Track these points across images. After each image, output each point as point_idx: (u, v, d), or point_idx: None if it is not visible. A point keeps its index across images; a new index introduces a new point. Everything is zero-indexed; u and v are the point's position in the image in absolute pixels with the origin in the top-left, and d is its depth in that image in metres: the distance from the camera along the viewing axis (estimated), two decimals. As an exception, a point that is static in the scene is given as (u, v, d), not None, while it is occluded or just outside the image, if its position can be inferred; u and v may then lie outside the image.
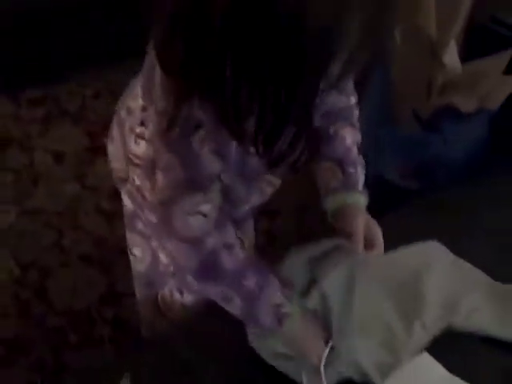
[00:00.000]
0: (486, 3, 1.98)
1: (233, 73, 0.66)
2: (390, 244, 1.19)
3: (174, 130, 0.79)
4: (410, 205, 1.38)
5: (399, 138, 1.60)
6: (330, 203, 1.07)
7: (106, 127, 2.30)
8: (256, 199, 1.06)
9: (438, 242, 1.22)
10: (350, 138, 1.08)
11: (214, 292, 0.96)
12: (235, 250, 0.93)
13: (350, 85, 1.08)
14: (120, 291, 1.83)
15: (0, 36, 2.25)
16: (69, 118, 2.37)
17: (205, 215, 0.88)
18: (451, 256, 1.20)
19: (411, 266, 1.16)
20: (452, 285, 1.14)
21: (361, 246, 1.04)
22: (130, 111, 0.99)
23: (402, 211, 1.35)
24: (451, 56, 1.53)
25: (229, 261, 0.91)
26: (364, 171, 1.10)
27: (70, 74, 2.49)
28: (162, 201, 0.88)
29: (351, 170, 1.07)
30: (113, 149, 1.12)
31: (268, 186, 1.05)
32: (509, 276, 1.19)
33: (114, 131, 1.10)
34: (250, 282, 0.92)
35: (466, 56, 1.66)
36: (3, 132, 2.29)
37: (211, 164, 0.85)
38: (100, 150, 2.25)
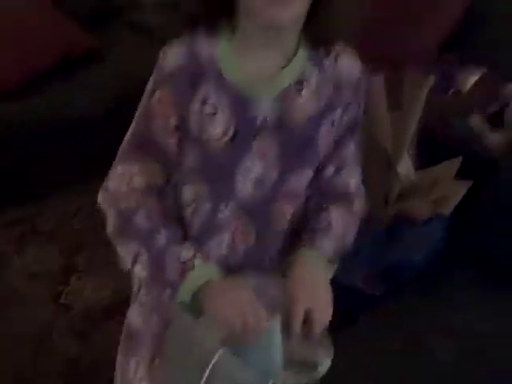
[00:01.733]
0: (437, 111, 2.13)
1: None
2: (360, 350, 1.23)
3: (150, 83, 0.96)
4: (376, 309, 1.43)
5: (361, 245, 1.66)
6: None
7: (80, 246, 2.37)
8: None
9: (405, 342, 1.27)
10: (339, 219, 1.04)
11: (127, 250, 0.98)
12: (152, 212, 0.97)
13: (348, 170, 1.08)
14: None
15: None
16: (44, 237, 2.41)
17: (133, 188, 0.97)
18: None
19: None
20: None
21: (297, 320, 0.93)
22: None
23: (370, 316, 1.40)
24: (405, 165, 1.62)
25: (143, 220, 0.95)
26: (333, 245, 1.04)
27: (46, 194, 2.56)
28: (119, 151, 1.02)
29: (319, 234, 1.03)
30: None
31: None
32: (470, 374, 1.22)
33: None
34: (162, 237, 0.95)
35: (419, 162, 1.76)
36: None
37: (163, 119, 0.95)
38: (74, 269, 2.28)
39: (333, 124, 1.00)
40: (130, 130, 1.00)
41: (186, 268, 0.93)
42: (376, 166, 1.67)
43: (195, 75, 0.92)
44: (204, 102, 0.93)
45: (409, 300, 1.45)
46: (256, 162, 0.98)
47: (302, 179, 1.03)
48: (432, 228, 1.65)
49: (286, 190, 1.03)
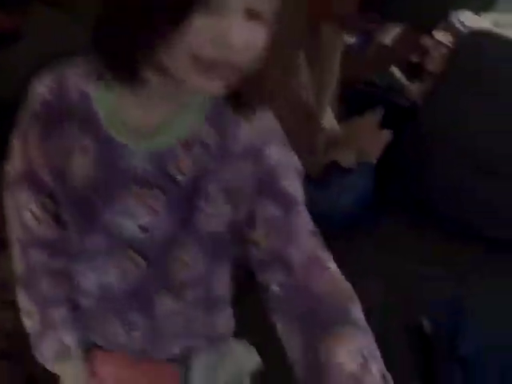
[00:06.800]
0: (359, 65, 2.17)
1: None
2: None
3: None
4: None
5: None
6: None
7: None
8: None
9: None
10: (348, 360, 0.68)
11: (22, 301, 1.00)
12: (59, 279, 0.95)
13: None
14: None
15: None
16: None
17: (36, 218, 0.90)
18: None
19: None
20: None
21: None
22: None
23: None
24: (328, 119, 1.66)
25: (47, 287, 0.96)
26: None
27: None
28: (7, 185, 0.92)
29: None
30: None
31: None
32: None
33: None
34: (55, 313, 0.96)
35: (343, 114, 1.80)
36: None
37: (37, 157, 0.86)
38: (3, 243, 2.22)
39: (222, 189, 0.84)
40: (13, 160, 0.91)
41: (60, 353, 0.97)
42: (297, 118, 1.69)
43: (63, 115, 0.83)
44: (72, 143, 0.83)
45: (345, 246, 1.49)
46: (143, 212, 0.85)
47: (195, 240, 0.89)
48: (359, 176, 1.69)
49: (180, 243, 0.89)
